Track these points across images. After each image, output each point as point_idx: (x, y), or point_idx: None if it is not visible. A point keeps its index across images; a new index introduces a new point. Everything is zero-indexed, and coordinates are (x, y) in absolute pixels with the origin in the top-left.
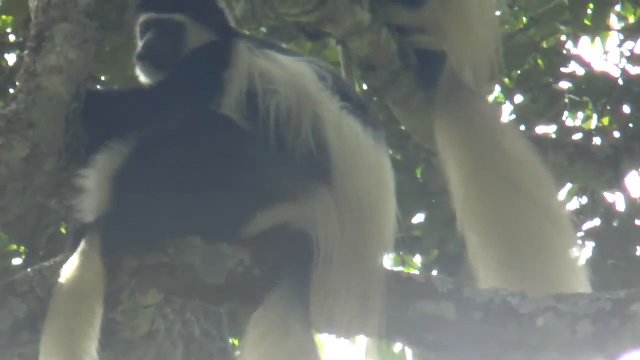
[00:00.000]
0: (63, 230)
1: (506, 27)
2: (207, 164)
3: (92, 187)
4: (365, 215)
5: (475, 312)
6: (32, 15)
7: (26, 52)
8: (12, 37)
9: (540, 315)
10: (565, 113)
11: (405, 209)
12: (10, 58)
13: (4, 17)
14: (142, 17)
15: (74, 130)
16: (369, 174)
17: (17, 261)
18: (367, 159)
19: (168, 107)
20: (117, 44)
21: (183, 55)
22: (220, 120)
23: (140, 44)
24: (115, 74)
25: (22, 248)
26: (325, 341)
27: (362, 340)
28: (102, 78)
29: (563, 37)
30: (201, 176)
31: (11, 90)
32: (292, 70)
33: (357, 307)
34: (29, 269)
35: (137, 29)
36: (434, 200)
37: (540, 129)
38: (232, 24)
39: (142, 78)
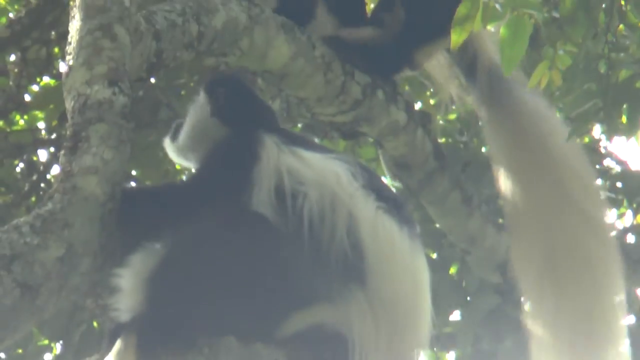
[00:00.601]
0: (96, 325)
1: None
2: (241, 265)
3: (128, 287)
4: (401, 317)
5: None
6: (69, 116)
7: (62, 152)
8: (43, 132)
9: None
10: None
11: (440, 306)
12: (43, 154)
13: (36, 112)
14: None
15: (110, 230)
16: (405, 275)
17: (48, 357)
18: (403, 259)
19: (201, 204)
20: (150, 142)
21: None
22: (253, 220)
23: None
24: (148, 171)
25: (53, 344)
26: None
27: None
28: (134, 173)
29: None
30: (236, 276)
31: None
32: (322, 170)
33: None
34: None
35: None
36: (468, 298)
37: None
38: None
39: (174, 158)
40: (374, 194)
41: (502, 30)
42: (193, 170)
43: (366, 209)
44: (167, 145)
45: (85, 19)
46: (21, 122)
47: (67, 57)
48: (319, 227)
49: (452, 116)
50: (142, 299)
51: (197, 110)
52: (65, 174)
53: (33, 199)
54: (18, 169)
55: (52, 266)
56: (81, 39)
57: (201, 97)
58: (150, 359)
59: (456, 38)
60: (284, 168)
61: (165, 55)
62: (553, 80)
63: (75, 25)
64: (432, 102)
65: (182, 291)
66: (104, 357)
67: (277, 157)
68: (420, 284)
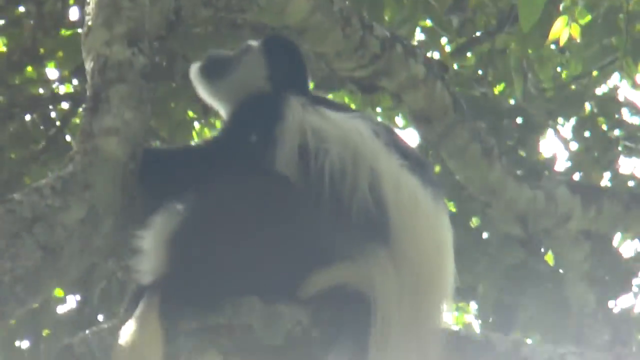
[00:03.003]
0: (117, 281)
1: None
2: (263, 225)
3: (150, 248)
4: (424, 276)
5: None
6: (88, 77)
7: (82, 113)
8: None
9: None
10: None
11: (461, 259)
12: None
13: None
14: None
15: (131, 191)
16: (428, 233)
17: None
18: (426, 217)
19: (223, 165)
20: (166, 92)
21: (240, 74)
22: (275, 180)
23: None
24: (164, 121)
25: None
26: None
27: None
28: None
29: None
30: (258, 237)
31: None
32: (345, 128)
33: None
34: (87, 331)
35: None
36: (490, 250)
37: (596, 177)
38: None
39: (198, 89)
40: (398, 153)
41: None
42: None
43: (389, 165)
44: (199, 78)
45: None
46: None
47: (86, 18)
48: (341, 183)
49: (469, 61)
50: (164, 260)
51: (247, 62)
52: (86, 135)
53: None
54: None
55: (73, 228)
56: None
57: (255, 51)
58: (172, 320)
59: None
60: (308, 127)
61: (184, 13)
62: (572, 35)
63: None
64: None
65: (204, 252)
66: (126, 319)
67: (301, 117)
68: (444, 243)
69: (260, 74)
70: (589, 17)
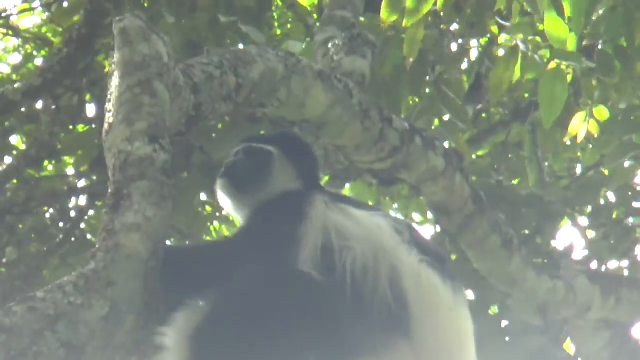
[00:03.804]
0: None
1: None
2: (286, 322)
3: (172, 345)
4: None
5: None
6: (110, 173)
7: (104, 210)
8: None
9: None
10: (638, 248)
11: (481, 348)
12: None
13: (66, 159)
14: (236, 149)
15: (153, 287)
16: (449, 326)
17: None
18: (447, 310)
19: (245, 262)
20: (184, 186)
21: (264, 184)
22: (298, 277)
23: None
24: (179, 215)
25: None
26: None
27: None
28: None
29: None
30: (281, 334)
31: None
32: (367, 226)
33: None
34: None
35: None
36: (507, 339)
37: (613, 265)
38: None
39: (220, 199)
40: (417, 248)
41: (541, 82)
42: (238, 224)
43: (409, 261)
44: (226, 193)
45: (124, 75)
46: (50, 168)
47: (107, 115)
48: (363, 279)
49: (481, 152)
50: (186, 357)
51: (270, 170)
52: (108, 232)
53: (67, 247)
54: (49, 216)
55: (96, 325)
56: (121, 96)
57: (275, 157)
58: None
59: (495, 95)
60: (331, 225)
61: (204, 108)
62: (590, 131)
63: (114, 82)
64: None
65: (226, 349)
66: None
67: (325, 215)
68: (465, 335)
69: (283, 178)
70: (606, 113)
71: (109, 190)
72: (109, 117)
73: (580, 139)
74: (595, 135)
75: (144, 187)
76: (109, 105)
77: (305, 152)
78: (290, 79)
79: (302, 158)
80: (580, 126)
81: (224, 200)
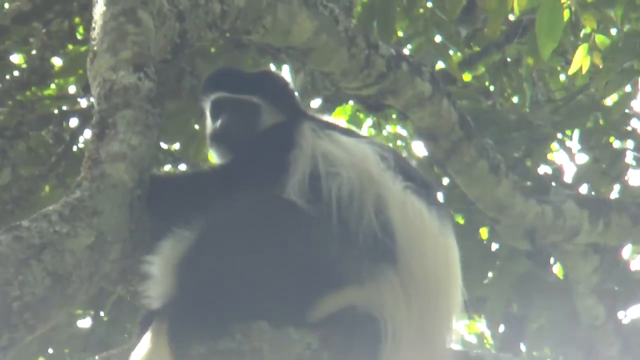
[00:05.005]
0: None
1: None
2: (272, 249)
3: (158, 273)
4: (433, 296)
5: None
6: (95, 102)
7: (90, 139)
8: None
9: None
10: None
11: (470, 272)
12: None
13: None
14: (215, 96)
15: (139, 217)
16: (435, 253)
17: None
18: (433, 237)
19: (232, 191)
20: (176, 110)
21: (254, 135)
22: (284, 205)
23: (214, 124)
24: (172, 139)
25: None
26: None
27: None
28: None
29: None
30: (267, 261)
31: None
32: (354, 152)
33: None
34: (97, 357)
35: (208, 107)
36: (498, 263)
37: (604, 188)
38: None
39: (215, 157)
40: (403, 175)
41: (539, 12)
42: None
43: (395, 188)
44: (216, 150)
45: (108, 4)
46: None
47: (91, 43)
48: (349, 207)
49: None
50: (172, 286)
51: (255, 119)
52: (93, 161)
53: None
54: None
55: (82, 254)
56: (105, 24)
57: (259, 106)
58: (182, 346)
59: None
60: (320, 152)
61: (189, 36)
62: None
63: (98, 10)
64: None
65: (212, 276)
66: (135, 345)
67: (313, 143)
68: (451, 262)
69: (270, 120)
70: (608, 42)
71: (94, 119)
72: (93, 46)
73: (584, 71)
74: (600, 67)
75: (129, 115)
76: (93, 34)
77: (286, 90)
78: (276, 6)
79: (284, 95)
80: (583, 59)
81: (218, 157)
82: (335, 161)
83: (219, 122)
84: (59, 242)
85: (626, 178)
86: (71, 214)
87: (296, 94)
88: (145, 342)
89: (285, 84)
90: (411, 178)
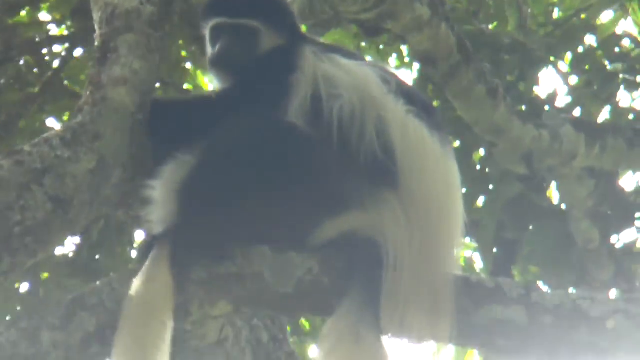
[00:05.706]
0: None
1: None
2: (273, 173)
3: (160, 198)
4: (434, 219)
5: (546, 316)
6: (97, 26)
7: (91, 63)
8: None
9: (611, 317)
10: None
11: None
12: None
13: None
14: (214, 21)
15: (140, 141)
16: (436, 177)
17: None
18: (434, 161)
19: (234, 115)
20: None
21: (254, 59)
22: (285, 129)
23: (213, 49)
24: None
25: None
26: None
27: (432, 345)
28: None
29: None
30: (268, 185)
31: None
32: (355, 74)
33: (427, 313)
34: (97, 282)
35: (207, 33)
36: (491, 186)
37: (596, 111)
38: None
39: (214, 82)
40: (404, 98)
41: None
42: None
43: (396, 110)
44: (216, 74)
45: None
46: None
47: None
48: (350, 129)
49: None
50: (174, 210)
51: (255, 43)
52: (95, 85)
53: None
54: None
55: (83, 178)
56: None
57: (258, 30)
58: (183, 270)
59: None
60: (321, 75)
61: None
62: None
63: None
64: None
65: (213, 201)
66: (137, 270)
67: (314, 65)
68: (452, 185)
69: (270, 43)
70: None
71: (96, 43)
72: None
73: None
74: None
75: (131, 39)
76: None
77: (286, 13)
78: None
79: (285, 19)
80: None
81: (218, 82)
82: (337, 83)
83: (217, 47)
84: (61, 167)
85: (617, 100)
86: (73, 139)
87: (294, 16)
88: (147, 267)
89: (285, 7)
90: (413, 102)
